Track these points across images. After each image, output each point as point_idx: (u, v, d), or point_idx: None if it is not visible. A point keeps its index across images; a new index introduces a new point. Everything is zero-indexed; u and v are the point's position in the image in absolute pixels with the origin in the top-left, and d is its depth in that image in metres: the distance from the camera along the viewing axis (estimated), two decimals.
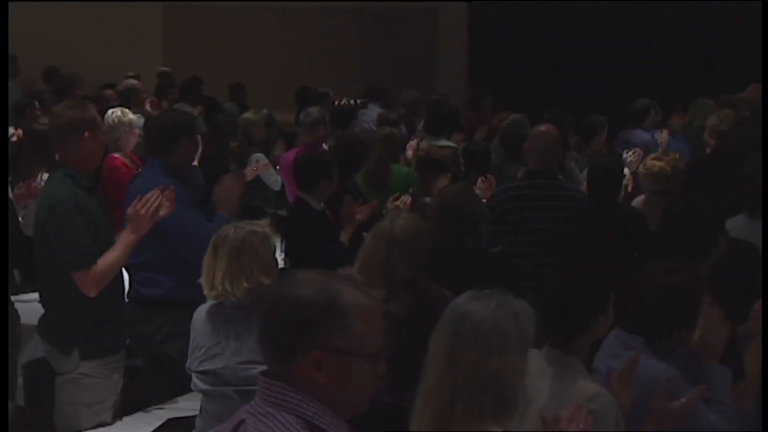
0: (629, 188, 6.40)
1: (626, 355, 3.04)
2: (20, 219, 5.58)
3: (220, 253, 3.54)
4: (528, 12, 13.45)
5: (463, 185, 5.08)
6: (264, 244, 3.57)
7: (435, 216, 4.54)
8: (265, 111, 9.13)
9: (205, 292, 3.57)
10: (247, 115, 9.06)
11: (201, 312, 3.69)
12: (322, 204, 5.54)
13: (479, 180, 6.04)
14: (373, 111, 9.92)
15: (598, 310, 3.07)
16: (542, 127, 5.72)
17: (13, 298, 5.11)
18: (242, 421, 1.92)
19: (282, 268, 5.63)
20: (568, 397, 2.81)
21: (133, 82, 9.34)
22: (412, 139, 7.77)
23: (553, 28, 13.39)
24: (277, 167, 7.82)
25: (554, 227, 5.27)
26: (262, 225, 3.65)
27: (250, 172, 7.26)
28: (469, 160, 6.91)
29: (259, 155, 7.90)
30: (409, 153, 7.31)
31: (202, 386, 3.63)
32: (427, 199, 5.76)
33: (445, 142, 7.08)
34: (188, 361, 3.68)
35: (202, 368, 3.61)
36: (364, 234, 4.16)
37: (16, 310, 5.05)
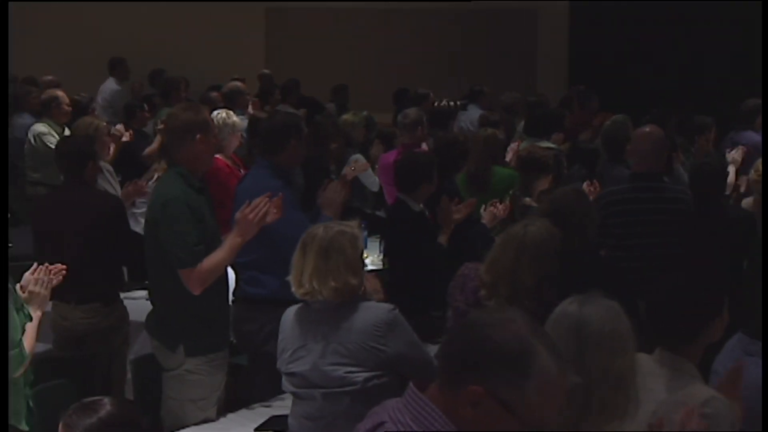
0: (741, 189, 6.25)
1: (746, 361, 2.97)
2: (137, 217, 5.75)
3: (309, 251, 3.56)
4: (631, 10, 13.21)
5: (572, 188, 5.04)
6: (352, 244, 3.58)
7: (543, 218, 4.51)
8: (364, 112, 9.19)
9: (293, 289, 3.60)
10: (347, 116, 9.14)
11: (289, 313, 3.73)
12: (421, 205, 5.55)
13: (585, 183, 5.94)
14: (473, 112, 9.90)
15: (713, 313, 2.99)
16: (646, 128, 5.62)
17: (122, 295, 5.27)
18: (382, 424, 1.91)
19: (378, 270, 5.68)
20: (681, 400, 2.76)
21: (238, 84, 9.50)
22: (513, 141, 7.73)
23: (656, 26, 13.12)
24: (376, 168, 7.87)
25: (661, 229, 5.18)
26: (352, 226, 3.66)
27: (348, 172, 7.32)
28: (577, 160, 6.81)
29: (358, 156, 7.96)
30: (509, 155, 7.27)
31: (291, 387, 3.67)
32: (527, 200, 5.72)
33: (545, 143, 7.02)
34: (278, 362, 3.72)
35: (289, 370, 3.65)
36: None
37: (125, 307, 5.20)
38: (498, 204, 5.54)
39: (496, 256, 3.94)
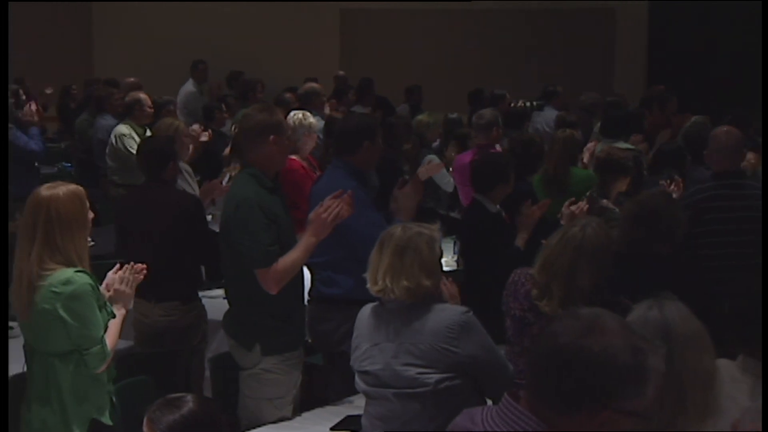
0: None
1: None
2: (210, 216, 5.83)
3: (385, 249, 3.57)
4: (710, 9, 12.97)
5: (660, 190, 4.98)
6: (429, 246, 3.58)
7: (630, 220, 4.47)
8: (454, 114, 9.21)
9: (368, 285, 3.61)
10: (421, 116, 9.15)
11: (365, 311, 3.74)
12: (497, 206, 5.52)
13: (668, 183, 5.84)
14: (549, 113, 9.81)
15: None
16: (724, 128, 5.54)
17: (199, 294, 5.35)
18: None
19: (452, 271, 5.66)
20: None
21: (314, 85, 9.56)
22: (590, 142, 7.64)
23: (736, 25, 12.85)
24: (450, 169, 7.85)
25: (745, 228, 5.09)
26: (431, 228, 3.65)
27: (422, 173, 7.32)
28: (664, 162, 6.67)
29: (432, 156, 7.96)
30: (586, 156, 7.19)
31: (363, 386, 3.67)
32: (605, 201, 5.65)
33: (623, 144, 6.93)
34: (351, 360, 3.73)
35: (362, 368, 3.65)
36: (543, 242, 4.12)
37: (203, 305, 5.28)
38: (576, 204, 5.48)
39: (551, 258, 3.92)
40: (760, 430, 2.45)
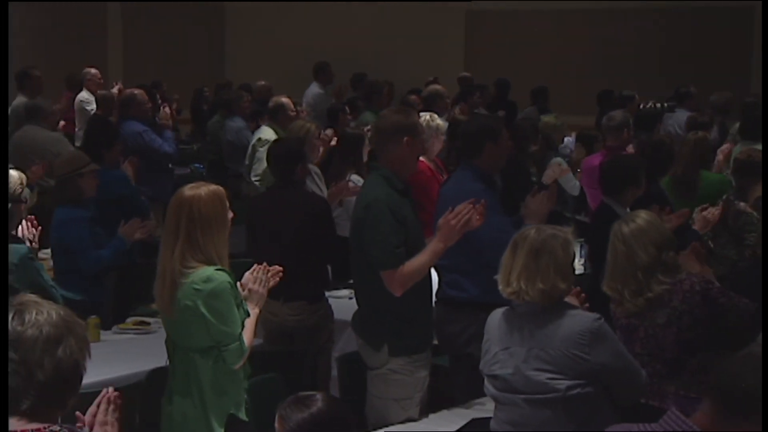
0: None
1: None
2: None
3: (519, 251, 3.54)
4: None
5: None
6: (564, 248, 3.54)
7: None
8: (569, 115, 9.08)
9: (500, 288, 3.58)
10: (547, 118, 9.04)
11: (495, 315, 3.72)
12: (627, 209, 5.40)
13: None
14: (681, 115, 9.56)
15: None
16: None
17: (326, 294, 5.42)
18: None
19: (579, 275, 5.57)
20: None
21: (438, 87, 9.56)
22: (725, 143, 7.41)
23: None
24: (577, 171, 7.74)
25: None
26: (565, 231, 3.63)
27: (549, 176, 7.23)
28: None
29: (559, 159, 7.86)
30: (720, 158, 6.97)
31: (492, 391, 3.65)
32: (742, 205, 5.47)
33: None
34: (481, 363, 3.72)
35: (492, 372, 3.63)
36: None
37: (329, 305, 5.34)
38: (710, 209, 5.32)
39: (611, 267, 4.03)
40: None
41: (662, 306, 3.93)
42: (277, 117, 8.28)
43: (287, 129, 7.08)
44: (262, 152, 8.01)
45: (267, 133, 8.18)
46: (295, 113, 8.33)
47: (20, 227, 4.52)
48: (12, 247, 4.18)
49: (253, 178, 8.03)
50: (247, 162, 8.29)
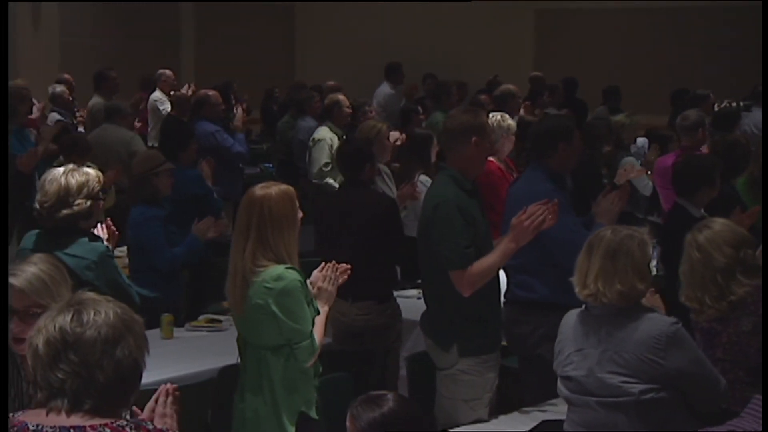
0: None
1: None
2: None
3: (595, 253, 3.51)
4: None
5: None
6: (641, 249, 3.50)
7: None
8: (641, 115, 8.97)
9: (576, 290, 3.55)
10: (618, 117, 8.93)
11: (570, 316, 3.68)
12: (702, 210, 5.31)
13: None
14: (757, 114, 9.37)
15: None
16: None
17: (395, 293, 5.43)
18: None
19: (656, 276, 5.49)
20: None
21: (509, 87, 9.50)
22: None
23: None
24: (648, 171, 7.63)
25: None
26: (641, 231, 3.58)
27: (621, 176, 7.14)
28: None
29: (631, 159, 7.77)
30: None
31: (566, 392, 3.62)
32: None
33: None
34: (554, 364, 3.70)
35: (565, 373, 3.60)
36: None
37: (398, 305, 5.35)
38: None
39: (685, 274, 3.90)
40: None
41: (748, 313, 3.81)
42: (332, 114, 8.34)
43: (358, 129, 7.11)
44: (316, 151, 8.09)
45: (322, 132, 8.26)
46: (350, 110, 8.37)
47: (97, 227, 4.62)
48: (91, 245, 4.27)
49: (314, 180, 8.10)
50: (307, 161, 8.39)
